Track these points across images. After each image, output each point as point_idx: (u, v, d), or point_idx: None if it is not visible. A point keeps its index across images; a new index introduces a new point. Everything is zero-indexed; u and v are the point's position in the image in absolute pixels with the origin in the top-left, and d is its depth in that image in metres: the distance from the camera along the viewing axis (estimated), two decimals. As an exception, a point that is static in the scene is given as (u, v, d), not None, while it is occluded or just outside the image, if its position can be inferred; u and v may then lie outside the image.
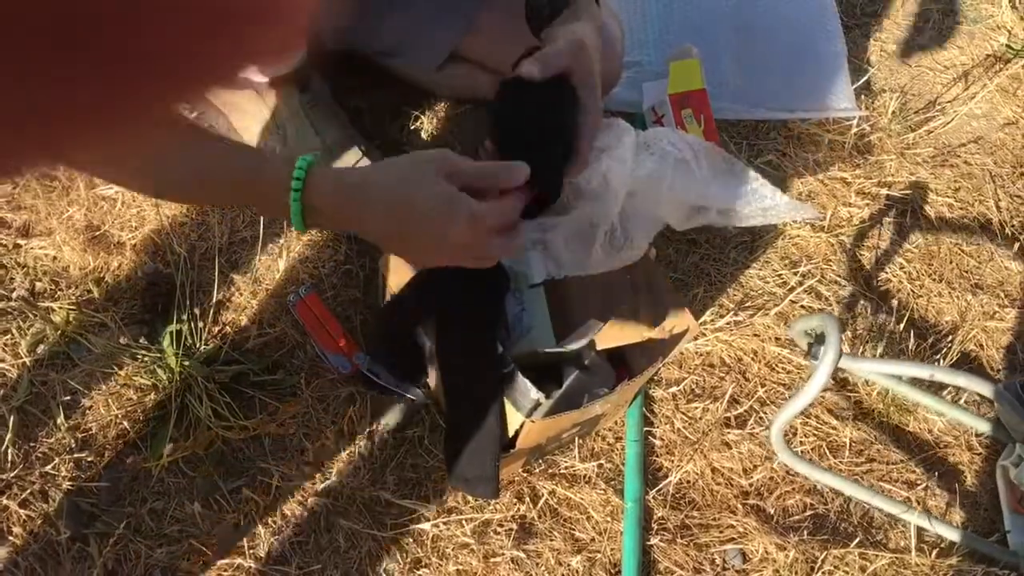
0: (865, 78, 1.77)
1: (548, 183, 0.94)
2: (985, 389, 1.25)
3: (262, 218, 1.35)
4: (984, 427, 1.40)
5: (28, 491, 1.15)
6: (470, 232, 0.84)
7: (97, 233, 1.36)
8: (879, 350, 1.47)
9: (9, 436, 1.16)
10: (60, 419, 1.19)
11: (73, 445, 1.19)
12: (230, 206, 1.31)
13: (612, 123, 1.01)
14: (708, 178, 1.09)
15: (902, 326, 1.49)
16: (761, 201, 1.11)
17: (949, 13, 1.94)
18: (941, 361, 1.46)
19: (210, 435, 1.16)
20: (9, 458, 1.16)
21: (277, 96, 1.36)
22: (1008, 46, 1.90)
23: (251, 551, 1.16)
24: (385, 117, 1.52)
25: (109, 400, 1.22)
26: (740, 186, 1.12)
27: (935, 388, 1.43)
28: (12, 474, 1.16)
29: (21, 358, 1.24)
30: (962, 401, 1.44)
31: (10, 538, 1.13)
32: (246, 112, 1.39)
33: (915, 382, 1.41)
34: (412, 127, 1.53)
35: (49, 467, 1.17)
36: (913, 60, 1.85)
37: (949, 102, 1.80)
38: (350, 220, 0.89)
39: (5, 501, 1.14)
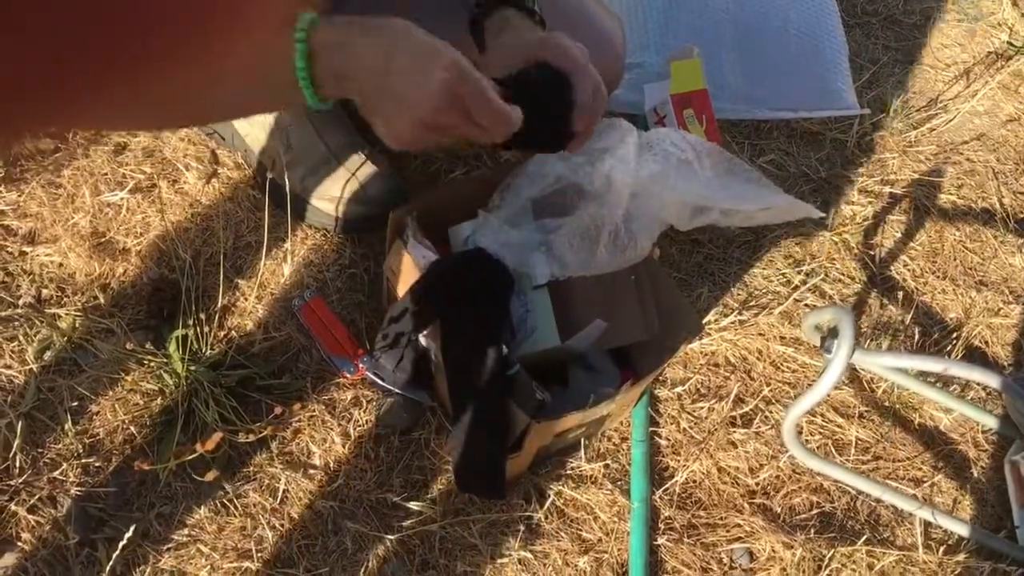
0: (867, 77, 1.78)
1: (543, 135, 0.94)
2: (998, 383, 1.25)
3: (266, 223, 1.35)
4: (992, 422, 1.40)
5: (36, 497, 1.15)
6: (454, 75, 0.81)
7: (102, 240, 1.36)
8: (884, 347, 1.47)
9: (17, 442, 1.17)
10: (67, 425, 1.19)
11: (81, 450, 1.19)
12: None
13: (615, 124, 1.02)
14: (711, 178, 1.10)
15: (907, 323, 1.49)
16: (764, 201, 1.11)
17: (950, 11, 1.95)
18: (948, 358, 1.46)
19: (217, 439, 1.17)
20: (17, 464, 1.17)
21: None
22: (1009, 43, 1.90)
23: (259, 554, 1.16)
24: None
25: (116, 405, 1.23)
26: (743, 186, 1.12)
27: (942, 384, 1.43)
28: (20, 480, 1.16)
29: (28, 364, 1.24)
30: (968, 398, 1.44)
31: (19, 544, 1.13)
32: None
33: (923, 378, 1.40)
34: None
35: (57, 472, 1.17)
36: (915, 58, 1.85)
37: (951, 99, 1.81)
38: (345, 56, 0.83)
39: (13, 507, 1.14)
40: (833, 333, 1.17)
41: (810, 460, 1.28)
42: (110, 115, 0.83)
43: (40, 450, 1.19)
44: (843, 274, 1.54)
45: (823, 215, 1.57)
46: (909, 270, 1.57)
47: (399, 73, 0.82)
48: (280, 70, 0.82)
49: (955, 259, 1.60)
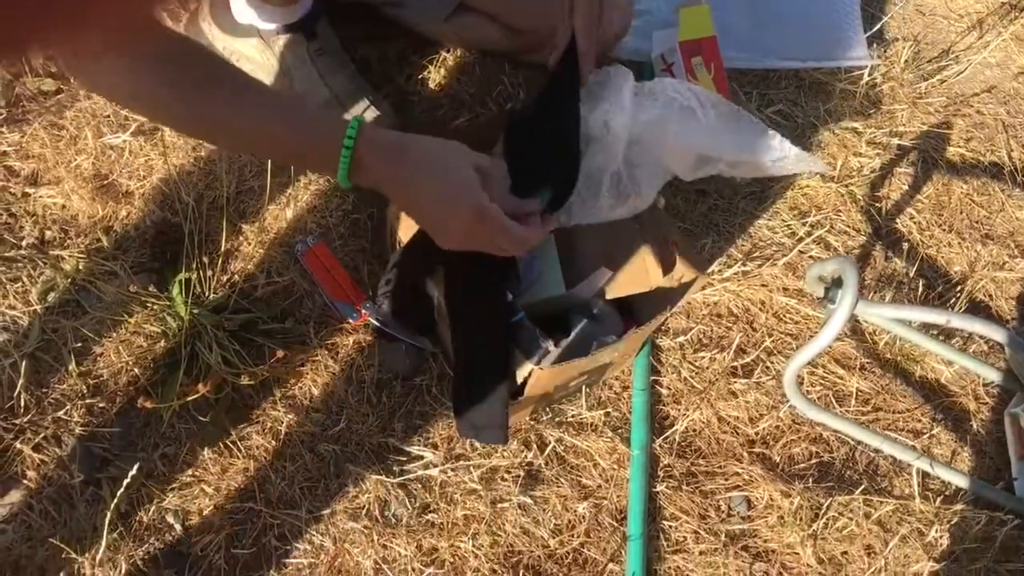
0: (878, 27, 1.75)
1: (557, 200, 1.04)
2: (998, 334, 1.25)
3: (269, 167, 1.34)
4: (993, 375, 1.40)
5: (41, 436, 1.16)
6: (474, 221, 0.92)
7: (105, 182, 1.36)
8: (888, 299, 1.47)
9: (21, 382, 1.17)
10: (71, 366, 1.20)
11: (85, 391, 1.20)
12: (265, 158, 1.33)
13: (611, 69, 1.01)
14: (716, 128, 1.09)
15: (911, 276, 1.49)
16: (771, 153, 1.10)
17: (965, -40, 1.91)
18: (950, 311, 1.46)
19: (220, 380, 1.17)
20: (22, 403, 1.17)
21: (284, 45, 1.35)
22: (1024, -6, 1.87)
23: (261, 495, 1.18)
24: (393, 67, 1.51)
25: (120, 347, 1.23)
26: (749, 137, 1.11)
27: (944, 337, 1.43)
28: (25, 419, 1.17)
29: (32, 305, 1.24)
30: (970, 351, 1.44)
31: (24, 482, 1.14)
32: (253, 61, 1.38)
33: (925, 331, 1.40)
34: (420, 77, 1.52)
35: (61, 412, 1.18)
36: (927, 9, 1.83)
37: (963, 51, 1.78)
38: (386, 180, 0.94)
39: (19, 445, 1.16)
40: (837, 283, 1.17)
41: (810, 410, 1.29)
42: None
43: (44, 390, 1.20)
44: (848, 226, 1.53)
45: (829, 169, 1.56)
46: (915, 223, 1.56)
47: (429, 218, 0.96)
48: (324, 161, 0.91)
49: (961, 212, 1.59)
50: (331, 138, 0.89)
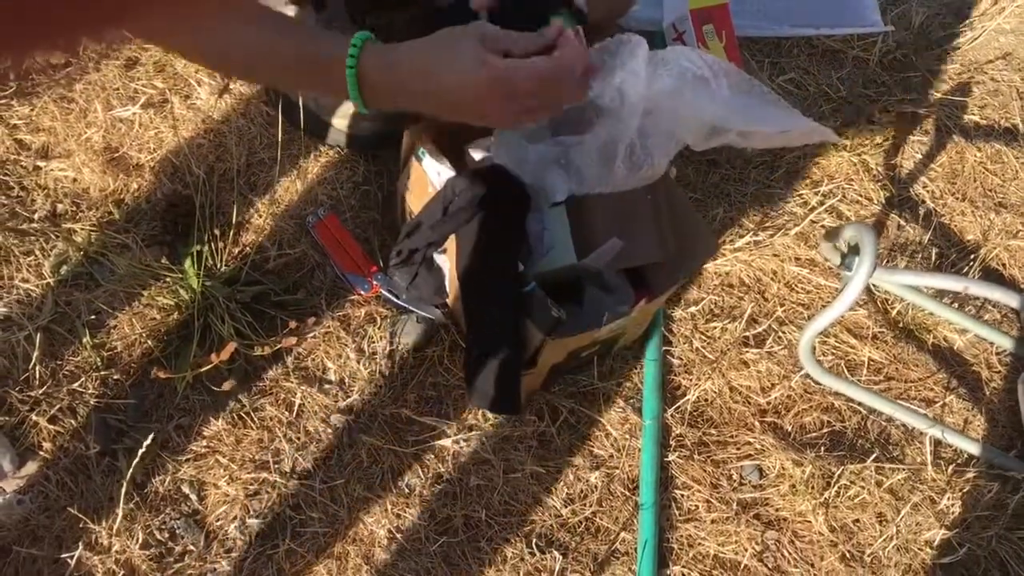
0: (891, -7, 1.74)
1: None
2: (1017, 302, 1.25)
3: (280, 140, 1.34)
4: (1007, 343, 1.40)
5: (56, 407, 1.17)
6: (493, 83, 0.86)
7: (116, 155, 1.36)
8: (901, 268, 1.46)
9: (36, 354, 1.18)
10: (85, 338, 1.21)
11: (99, 363, 1.20)
12: (285, 84, 1.28)
13: (625, 38, 1.00)
14: (727, 98, 1.08)
15: (924, 244, 1.48)
16: (782, 123, 1.09)
17: (980, -75, 1.89)
18: (966, 277, 1.45)
19: (233, 350, 1.18)
20: (37, 376, 1.18)
21: (293, 16, 1.34)
22: (1040, -42, 1.85)
23: (276, 466, 1.18)
24: (401, 37, 1.49)
25: (133, 319, 1.24)
26: (761, 108, 1.10)
27: (958, 306, 1.43)
28: (40, 391, 1.18)
29: (45, 279, 1.25)
30: (984, 320, 1.44)
31: (40, 453, 1.15)
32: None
33: (938, 299, 1.40)
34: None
35: (76, 384, 1.19)
36: (941, -26, 1.81)
37: (977, 17, 1.76)
38: (398, 92, 0.91)
39: (35, 417, 1.16)
40: (854, 251, 1.16)
41: (824, 377, 1.29)
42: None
43: (59, 362, 1.20)
44: (861, 195, 1.53)
45: (843, 139, 1.54)
46: (928, 191, 1.55)
47: (455, 100, 0.89)
48: (333, 79, 0.89)
49: (975, 180, 1.58)
50: (335, 55, 0.88)
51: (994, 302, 1.37)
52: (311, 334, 1.27)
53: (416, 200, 1.21)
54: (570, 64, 0.89)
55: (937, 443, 1.32)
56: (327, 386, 1.25)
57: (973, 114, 1.64)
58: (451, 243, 1.14)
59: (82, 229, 1.28)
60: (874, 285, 1.41)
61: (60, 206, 1.31)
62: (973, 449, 1.30)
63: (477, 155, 1.16)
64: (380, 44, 0.91)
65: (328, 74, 0.91)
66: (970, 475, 1.30)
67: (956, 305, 1.43)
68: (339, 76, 0.88)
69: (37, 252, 1.27)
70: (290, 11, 1.33)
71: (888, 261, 1.47)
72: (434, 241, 1.16)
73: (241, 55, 0.93)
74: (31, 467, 1.14)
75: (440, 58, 0.88)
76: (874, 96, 1.61)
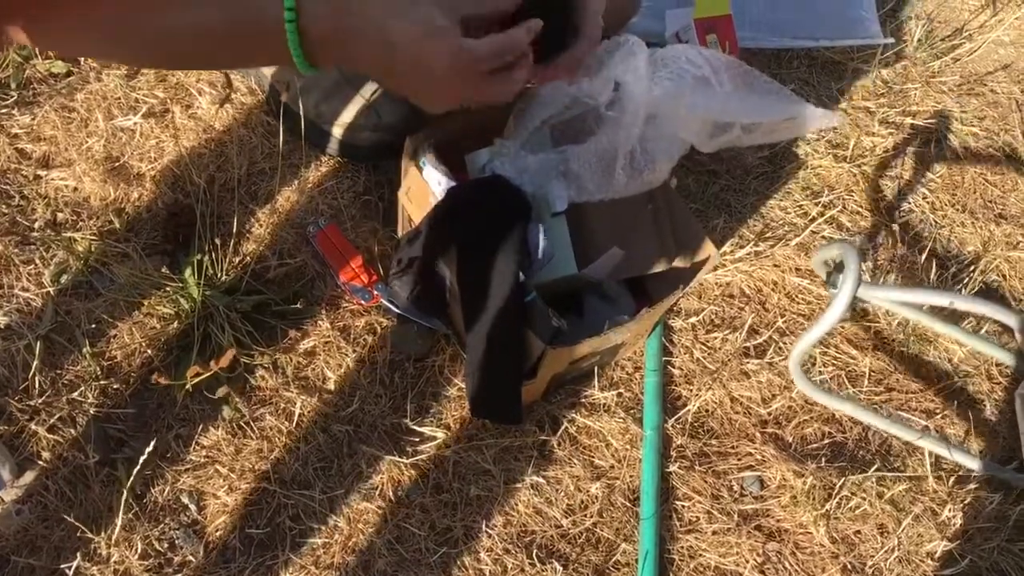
0: (891, 5, 1.74)
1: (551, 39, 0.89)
2: (1005, 317, 1.25)
3: (280, 150, 1.34)
4: (1005, 357, 1.39)
5: (56, 417, 1.17)
6: (456, 68, 0.79)
7: (116, 164, 1.36)
8: (900, 280, 1.46)
9: (35, 363, 1.18)
10: (85, 347, 1.20)
11: (98, 372, 1.20)
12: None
13: (625, 41, 0.99)
14: (729, 93, 1.07)
15: (924, 256, 1.48)
16: (785, 111, 1.09)
17: (979, -63, 1.90)
18: (963, 291, 1.45)
19: (231, 356, 1.18)
20: (36, 385, 1.18)
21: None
22: (1039, -29, 1.86)
23: (276, 476, 1.18)
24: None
25: (133, 329, 1.24)
26: (762, 98, 1.10)
27: (956, 318, 1.42)
28: (40, 400, 1.17)
29: (45, 287, 1.25)
30: (983, 331, 1.43)
31: (39, 463, 1.15)
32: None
33: (935, 312, 1.40)
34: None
35: (76, 394, 1.19)
36: (940, -14, 1.81)
37: (976, 29, 1.77)
38: (345, 45, 0.80)
39: (33, 427, 1.16)
40: (839, 267, 1.17)
41: (816, 393, 1.29)
42: (65, 34, 0.78)
43: (58, 371, 1.20)
44: (861, 206, 1.53)
45: (845, 121, 1.54)
46: (928, 202, 1.55)
47: (404, 76, 0.80)
48: (271, 43, 0.78)
49: (975, 192, 1.58)
50: (270, 12, 0.76)
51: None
52: (311, 344, 1.27)
53: (417, 209, 1.21)
54: (520, 82, 0.83)
55: (938, 454, 1.32)
56: (327, 396, 1.24)
57: (973, 125, 1.64)
58: (452, 253, 1.14)
59: (82, 238, 1.28)
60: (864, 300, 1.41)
61: (61, 215, 1.31)
62: (972, 464, 1.30)
63: (478, 164, 1.16)
64: None
65: (259, 38, 0.80)
66: (971, 486, 1.30)
67: (954, 318, 1.43)
68: (275, 40, 0.77)
69: (37, 261, 1.26)
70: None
71: (888, 272, 1.47)
72: (435, 251, 1.16)
73: (168, 34, 0.80)
74: (30, 477, 1.14)
75: (392, 15, 0.78)
76: (873, 108, 1.62)
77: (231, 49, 0.85)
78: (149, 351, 1.22)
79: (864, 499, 1.27)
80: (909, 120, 1.62)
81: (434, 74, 0.78)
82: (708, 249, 1.21)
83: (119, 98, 1.41)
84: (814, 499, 1.26)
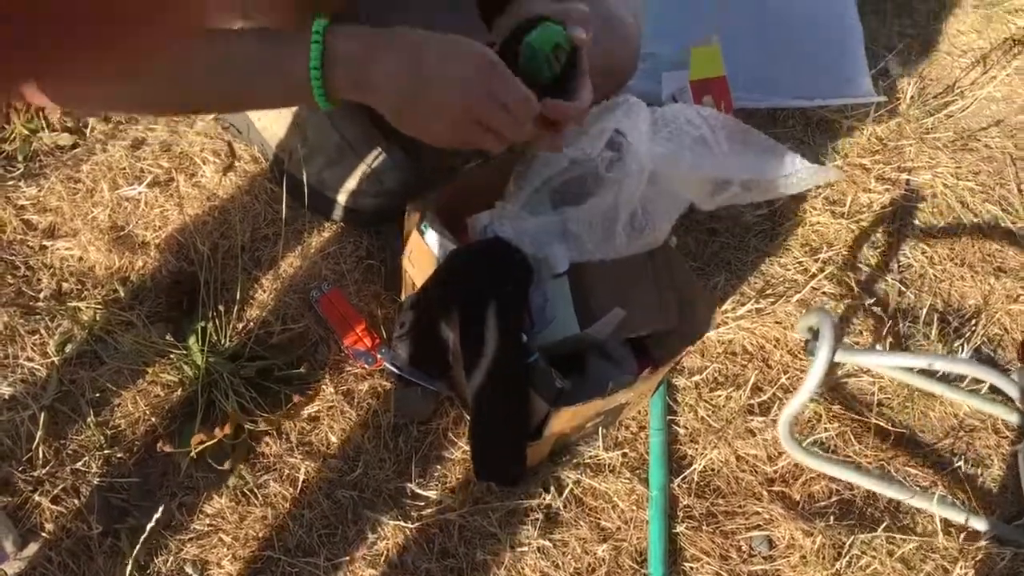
0: (883, 64, 1.77)
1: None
2: (986, 375, 1.26)
3: (284, 216, 1.36)
4: (1004, 412, 1.39)
5: (59, 487, 1.16)
6: (484, 64, 0.82)
7: (121, 233, 1.37)
8: (904, 336, 1.46)
9: (40, 434, 1.18)
10: (90, 417, 1.21)
11: (103, 441, 1.20)
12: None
13: (625, 101, 1.01)
14: (727, 151, 1.09)
15: (924, 311, 1.49)
16: (782, 168, 1.11)
17: (966, -3, 1.94)
18: (964, 346, 1.45)
19: (236, 426, 1.18)
20: (40, 456, 1.18)
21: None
22: (1027, 28, 1.89)
23: (280, 544, 1.17)
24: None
25: (137, 397, 1.24)
26: (760, 155, 1.12)
27: (955, 374, 1.42)
28: (44, 471, 1.17)
29: (50, 357, 1.25)
30: (986, 388, 1.43)
31: (43, 534, 1.14)
32: (265, 109, 1.40)
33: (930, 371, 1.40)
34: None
35: (80, 464, 1.18)
36: (931, 45, 1.84)
37: (968, 86, 1.80)
38: (368, 69, 0.85)
39: (37, 498, 1.16)
40: (817, 335, 1.18)
41: (808, 460, 1.28)
42: (78, 88, 0.82)
43: (63, 441, 1.20)
44: (861, 262, 1.54)
45: (842, 175, 1.55)
46: (927, 257, 1.56)
47: (430, 73, 0.83)
48: (291, 70, 0.83)
49: (973, 246, 1.59)
50: (300, 40, 0.82)
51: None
52: (315, 409, 1.27)
53: (419, 273, 1.22)
54: (531, 117, 0.88)
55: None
56: (331, 461, 1.24)
57: (968, 180, 1.66)
58: (454, 315, 1.15)
59: (87, 307, 1.29)
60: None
61: (66, 284, 1.32)
62: (981, 525, 1.28)
63: (479, 227, 1.17)
64: (350, 28, 0.85)
65: (282, 71, 0.84)
66: (982, 543, 1.28)
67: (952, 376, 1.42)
68: (300, 64, 0.81)
69: (43, 331, 1.27)
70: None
71: (890, 329, 1.47)
72: (437, 314, 1.17)
73: (198, 82, 0.86)
74: (33, 548, 1.13)
75: (436, 37, 0.83)
76: (869, 164, 1.64)
77: (252, 86, 0.90)
78: (153, 419, 1.22)
79: (875, 558, 1.26)
80: (905, 176, 1.64)
81: (458, 82, 0.81)
82: (710, 307, 1.21)
83: (124, 168, 1.43)
84: (824, 558, 1.25)
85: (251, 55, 0.87)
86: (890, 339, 1.46)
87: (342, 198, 1.39)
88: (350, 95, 0.88)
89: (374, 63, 0.85)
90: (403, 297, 1.34)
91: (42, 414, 1.19)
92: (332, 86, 0.86)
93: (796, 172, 1.03)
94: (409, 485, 1.23)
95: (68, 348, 1.26)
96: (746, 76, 1.67)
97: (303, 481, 1.21)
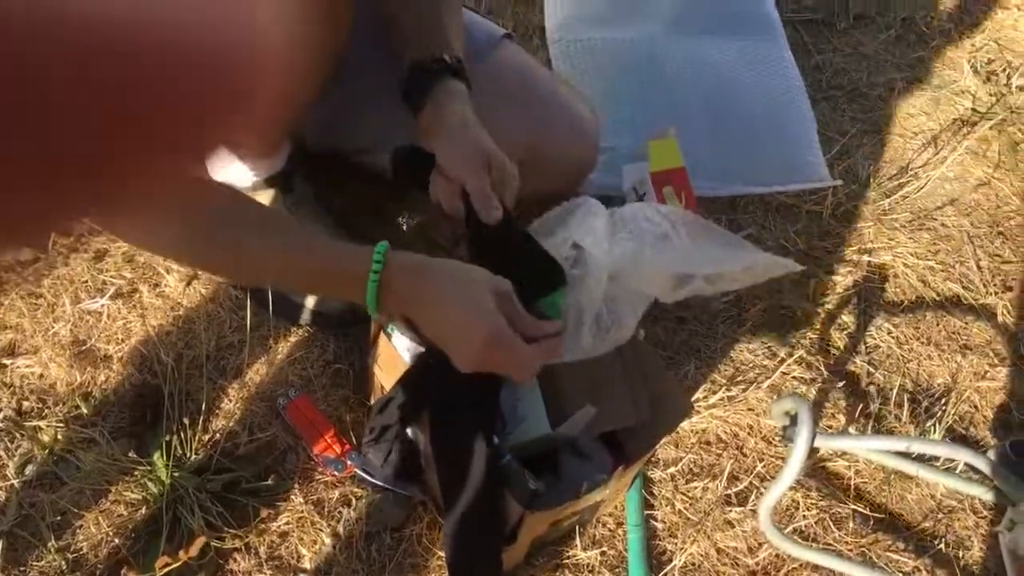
0: (837, 148, 1.81)
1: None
2: (963, 456, 1.25)
3: (248, 322, 1.35)
4: (981, 492, 1.38)
5: (19, 618, 1.12)
6: (488, 343, 0.92)
7: (83, 348, 1.35)
8: (871, 419, 1.46)
9: (-2, 561, 1.14)
10: (51, 542, 1.17)
11: (64, 567, 1.16)
12: (301, 291, 1.36)
13: (581, 203, 1.02)
14: (689, 247, 1.10)
15: (895, 392, 1.49)
16: (743, 261, 1.12)
17: (913, 81, 1.99)
18: (936, 426, 1.46)
19: (203, 544, 1.14)
20: (-2, 584, 1.14)
21: (261, 200, 1.37)
22: (973, 109, 1.95)
23: (251, 666, 1.13)
24: (369, 215, 1.53)
25: (99, 517, 1.20)
26: (722, 249, 1.13)
27: (929, 457, 1.41)
28: (2, 601, 1.13)
29: (9, 480, 1.22)
30: (961, 466, 1.43)
31: (1, 668, 1.09)
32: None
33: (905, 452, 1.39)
34: (396, 223, 1.54)
35: (40, 591, 1.14)
36: (882, 128, 1.89)
37: (921, 167, 1.84)
38: (411, 300, 0.96)
39: (-5, 630, 1.11)
40: (795, 420, 1.18)
41: (793, 549, 1.26)
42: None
43: (22, 568, 1.16)
44: (828, 344, 1.54)
45: (802, 267, 1.57)
46: (893, 337, 1.57)
47: (451, 331, 0.95)
48: (351, 287, 0.94)
49: (938, 324, 1.61)
50: (358, 265, 0.93)
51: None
52: (284, 521, 1.24)
53: (387, 376, 1.21)
54: (545, 357, 0.97)
55: (932, 595, 1.29)
56: (302, 575, 1.20)
57: (928, 259, 1.68)
58: (424, 419, 1.13)
59: (48, 426, 1.26)
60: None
61: (26, 403, 1.29)
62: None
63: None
64: (401, 252, 0.96)
65: (342, 283, 0.96)
66: (969, 628, 1.26)
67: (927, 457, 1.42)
68: (356, 286, 0.93)
69: (2, 453, 1.24)
70: (257, 195, 1.36)
71: (859, 411, 1.47)
72: (407, 417, 1.15)
73: (245, 263, 0.99)
74: None
75: (459, 295, 0.94)
76: (830, 247, 1.66)
77: (311, 283, 1.06)
78: (116, 540, 1.19)
79: (862, 649, 1.23)
80: (866, 258, 1.66)
81: (474, 344, 0.93)
82: (681, 399, 1.21)
83: (86, 281, 1.42)
84: (811, 652, 1.22)
85: (313, 271, 0.98)
86: (862, 421, 1.46)
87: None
88: (395, 313, 0.99)
89: (414, 308, 0.97)
90: (372, 401, 1.32)
91: (0, 540, 1.15)
92: (382, 307, 0.96)
93: (756, 263, 1.04)
94: (383, 596, 1.20)
95: (28, 469, 1.23)
96: (704, 167, 1.70)
97: (273, 598, 1.18)
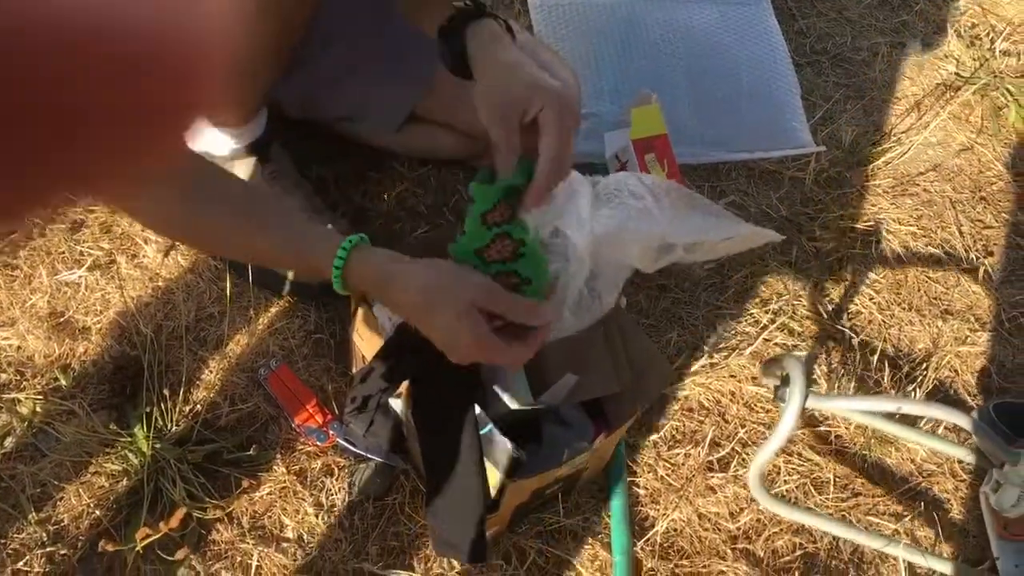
0: (820, 114, 1.80)
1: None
2: (955, 418, 1.25)
3: (228, 293, 1.34)
4: (964, 455, 1.39)
5: (0, 590, 1.12)
6: (473, 350, 0.92)
7: (61, 320, 1.34)
8: (855, 383, 1.47)
9: (-22, 534, 1.13)
10: (31, 513, 1.16)
11: (45, 539, 1.16)
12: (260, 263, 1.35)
13: (566, 182, 1.01)
14: (671, 218, 1.09)
15: (876, 357, 1.50)
16: (725, 231, 1.11)
17: (897, 45, 1.98)
18: (917, 390, 1.46)
19: (180, 516, 1.14)
20: (-21, 557, 1.13)
21: (237, 169, 1.36)
22: (957, 74, 1.94)
23: (234, 635, 1.13)
24: (349, 184, 1.52)
25: (80, 489, 1.20)
26: (703, 219, 1.12)
27: (912, 419, 1.43)
28: (-17, 573, 1.12)
29: (-12, 452, 1.21)
30: (941, 429, 1.44)
31: (-17, 641, 1.09)
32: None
33: (890, 415, 1.40)
34: (376, 192, 1.53)
35: (21, 563, 1.14)
36: (866, 94, 1.88)
37: (904, 132, 1.83)
38: (383, 300, 1.00)
39: (-23, 602, 1.11)
40: (786, 381, 1.17)
41: (780, 508, 1.27)
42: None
43: (2, 540, 1.15)
44: (810, 311, 1.54)
45: (783, 237, 1.57)
46: (875, 303, 1.58)
47: (431, 335, 0.94)
48: (321, 273, 0.96)
49: (919, 289, 1.61)
50: (323, 260, 0.95)
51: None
52: (267, 491, 1.23)
53: (368, 346, 1.20)
54: (533, 352, 0.96)
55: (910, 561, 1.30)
56: (285, 544, 1.21)
57: (910, 225, 1.69)
58: (406, 388, 1.13)
59: (27, 398, 1.25)
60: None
61: (4, 375, 1.28)
62: (945, 568, 1.28)
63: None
64: (369, 249, 0.96)
65: (311, 270, 0.98)
66: (948, 590, 1.28)
67: (911, 419, 1.43)
68: (325, 273, 0.95)
69: (-21, 425, 1.23)
70: (234, 165, 1.34)
71: (841, 376, 1.48)
72: (389, 386, 1.15)
73: (220, 243, 1.03)
74: (-28, 657, 1.08)
75: (432, 298, 0.93)
76: (813, 213, 1.66)
77: (282, 264, 1.16)
78: (97, 512, 1.18)
79: (842, 611, 1.25)
80: (849, 223, 1.66)
81: (460, 342, 0.92)
82: (662, 365, 1.21)
83: (63, 252, 1.40)
84: (791, 615, 1.24)
85: (277, 248, 1.00)
86: (844, 385, 1.47)
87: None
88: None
89: (387, 298, 0.99)
90: (354, 371, 1.31)
91: (-20, 513, 1.15)
92: (351, 289, 0.97)
93: (738, 234, 1.03)
94: (367, 565, 1.20)
95: (7, 442, 1.22)
96: (687, 133, 1.69)
97: (256, 568, 1.18)
